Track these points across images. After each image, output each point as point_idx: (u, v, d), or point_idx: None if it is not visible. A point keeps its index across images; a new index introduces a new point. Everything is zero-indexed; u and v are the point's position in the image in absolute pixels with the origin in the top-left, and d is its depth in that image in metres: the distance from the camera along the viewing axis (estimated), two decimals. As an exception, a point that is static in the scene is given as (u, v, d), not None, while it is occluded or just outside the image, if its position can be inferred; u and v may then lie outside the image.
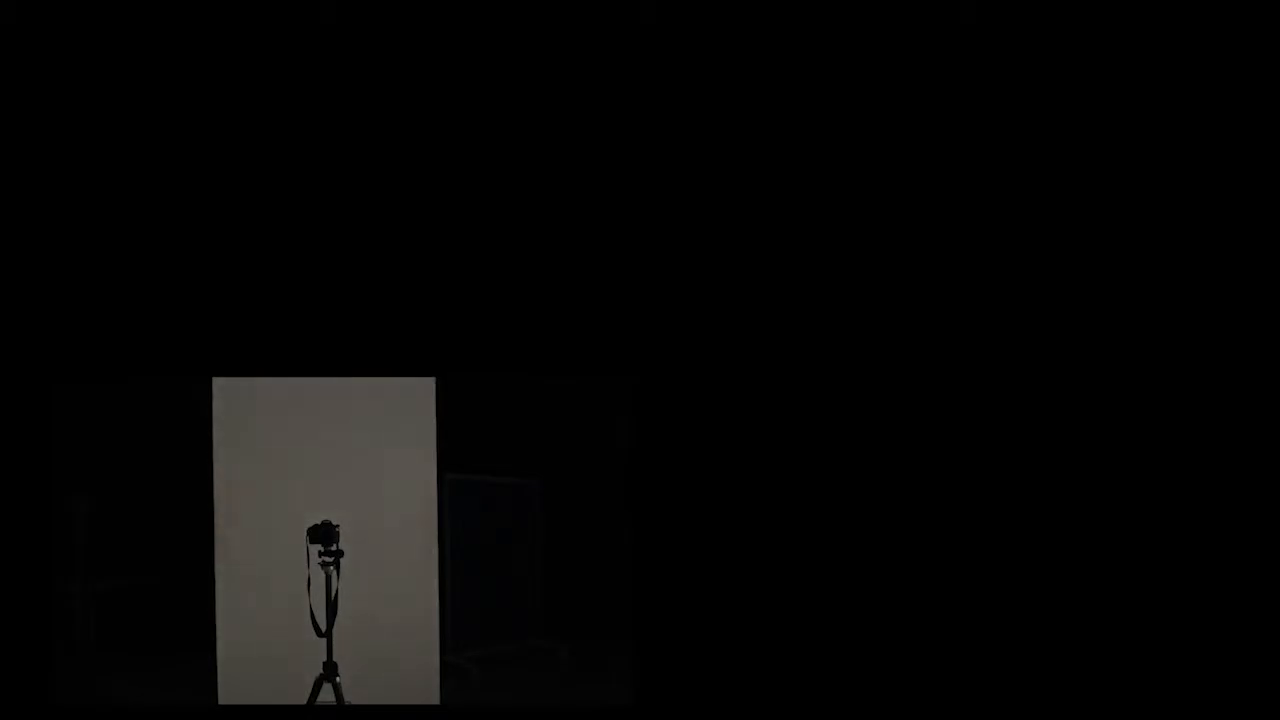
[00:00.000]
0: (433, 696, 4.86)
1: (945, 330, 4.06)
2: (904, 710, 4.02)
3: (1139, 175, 4.03)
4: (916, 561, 4.04)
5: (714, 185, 4.08)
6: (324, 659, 4.31)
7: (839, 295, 4.08)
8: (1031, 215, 4.05)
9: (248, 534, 4.74)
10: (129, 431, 6.73)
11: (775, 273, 4.08)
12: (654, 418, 4.10)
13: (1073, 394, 4.03)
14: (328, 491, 4.64)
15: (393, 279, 4.09)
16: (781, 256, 4.08)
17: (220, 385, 4.78)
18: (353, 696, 4.34)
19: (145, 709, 5.22)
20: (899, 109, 4.05)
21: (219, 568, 4.76)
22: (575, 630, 6.66)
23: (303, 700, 4.32)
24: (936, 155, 4.06)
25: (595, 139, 4.07)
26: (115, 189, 4.04)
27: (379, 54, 4.04)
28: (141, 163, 4.04)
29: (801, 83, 4.06)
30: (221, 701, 4.75)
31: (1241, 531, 3.97)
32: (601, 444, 6.80)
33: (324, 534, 4.32)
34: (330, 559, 4.31)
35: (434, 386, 4.86)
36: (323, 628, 4.33)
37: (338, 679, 4.28)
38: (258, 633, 4.71)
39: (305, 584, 4.36)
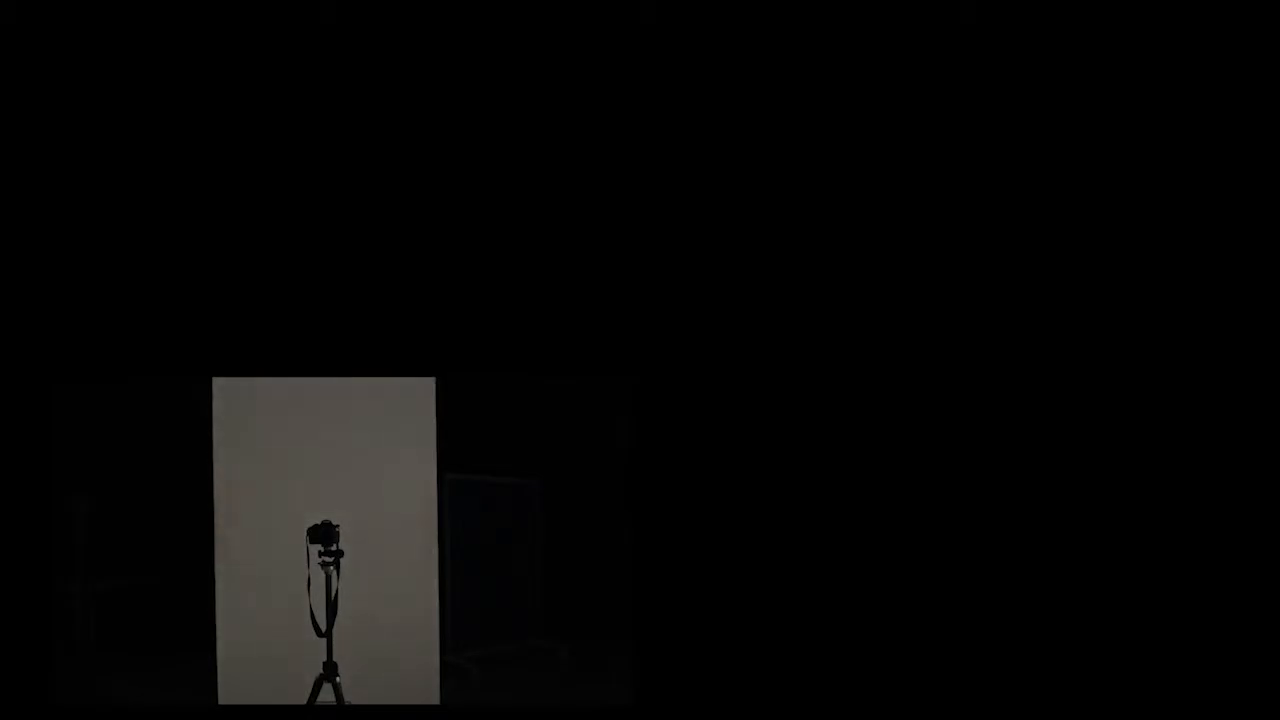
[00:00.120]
0: (433, 696, 4.86)
1: (945, 330, 4.06)
2: (904, 710, 4.02)
3: (1139, 175, 4.03)
4: (916, 561, 4.04)
5: (714, 185, 4.08)
6: (324, 659, 4.31)
7: (839, 295, 4.08)
8: (1031, 215, 4.05)
9: (248, 534, 4.74)
10: (129, 431, 6.73)
11: (775, 273, 4.08)
12: (654, 418, 4.10)
13: (1073, 394, 4.03)
14: (328, 491, 4.64)
15: (393, 279, 4.09)
16: (781, 257, 4.08)
17: (220, 385, 4.78)
18: (353, 696, 4.34)
19: (145, 709, 5.22)
20: (899, 109, 4.05)
21: (219, 568, 4.76)
22: (575, 630, 6.66)
23: (303, 700, 4.32)
24: (936, 155, 4.06)
25: (595, 139, 4.07)
26: (115, 189, 4.04)
27: (379, 54, 4.05)
28: (141, 163, 4.04)
29: (801, 83, 4.06)
30: (221, 701, 4.75)
31: (1241, 531, 3.97)
32: (601, 444, 6.80)
33: (324, 534, 4.33)
34: (330, 559, 4.31)
35: (434, 386, 4.86)
36: (323, 628, 4.33)
37: (338, 679, 4.28)
38: (258, 633, 4.71)
39: (305, 584, 4.36)
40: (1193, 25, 4.00)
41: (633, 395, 4.11)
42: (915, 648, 4.03)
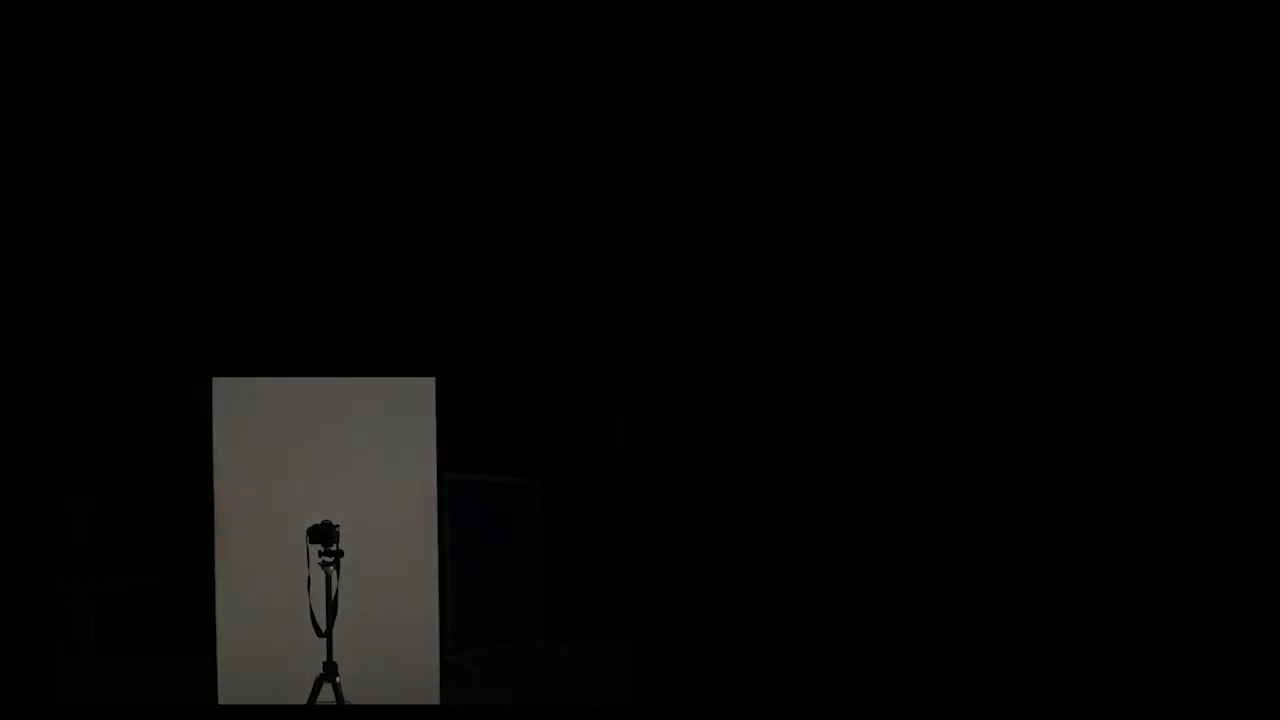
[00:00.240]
0: (433, 696, 4.86)
1: (945, 330, 4.06)
2: (904, 710, 4.02)
3: (1139, 175, 4.03)
4: (916, 561, 4.04)
5: (713, 185, 4.08)
6: (324, 659, 4.31)
7: (839, 295, 4.08)
8: (1031, 215, 4.05)
9: (248, 534, 4.74)
10: (129, 431, 6.73)
11: (775, 273, 4.08)
12: (654, 418, 4.10)
13: (1073, 394, 4.03)
14: (328, 491, 4.64)
15: (393, 279, 4.09)
16: (781, 257, 4.08)
17: (220, 385, 4.78)
18: (353, 696, 4.34)
19: (145, 709, 5.22)
20: (899, 109, 4.05)
21: (219, 568, 4.76)
22: (575, 630, 6.66)
23: (303, 700, 4.32)
24: (936, 155, 4.06)
25: (595, 139, 4.07)
26: (115, 189, 4.04)
27: (379, 54, 4.05)
28: (141, 163, 4.04)
29: (801, 83, 4.06)
30: (221, 701, 4.75)
31: (1242, 531, 3.97)
32: (601, 444, 6.80)
33: (324, 534, 4.33)
34: (330, 559, 4.31)
35: (434, 386, 4.86)
36: (323, 628, 4.33)
37: (338, 679, 4.28)
38: (258, 633, 4.71)
39: (305, 584, 4.36)
40: (1193, 25, 4.00)
41: (633, 395, 4.11)
42: (915, 647, 4.03)
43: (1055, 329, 4.04)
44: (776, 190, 4.08)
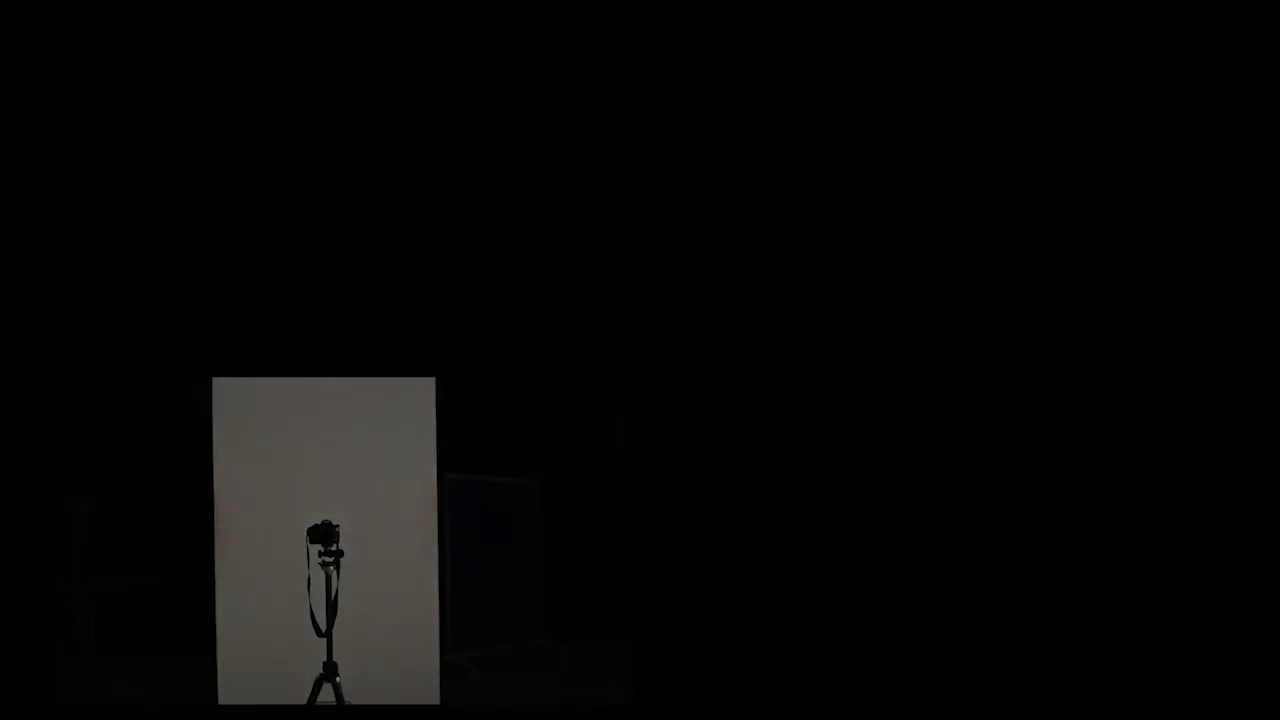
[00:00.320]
0: (433, 696, 4.86)
1: (945, 330, 4.06)
2: (904, 710, 4.02)
3: (1139, 175, 4.03)
4: (916, 561, 4.04)
5: (714, 185, 4.08)
6: (324, 659, 4.31)
7: (839, 295, 4.08)
8: (1031, 215, 4.05)
9: (248, 534, 4.74)
10: (129, 431, 6.73)
11: (775, 273, 4.08)
12: (654, 418, 4.10)
13: (1073, 394, 4.03)
14: (328, 491, 4.64)
15: (393, 279, 4.09)
16: (781, 257, 4.08)
17: (220, 385, 4.78)
18: (353, 696, 4.34)
19: (145, 709, 5.22)
20: (899, 109, 4.05)
21: (219, 568, 4.76)
22: (575, 630, 6.66)
23: (303, 700, 4.32)
24: (936, 155, 4.06)
25: (595, 139, 4.07)
26: (115, 189, 4.04)
27: (379, 54, 4.05)
28: (141, 163, 4.04)
29: (801, 83, 4.06)
30: (221, 701, 4.75)
31: (1242, 531, 3.97)
32: (601, 444, 6.80)
33: (324, 534, 4.32)
34: (330, 559, 4.31)
35: (434, 386, 4.86)
36: (323, 628, 4.33)
37: (338, 679, 4.28)
38: (258, 633, 4.71)
39: (305, 584, 4.36)
40: (1193, 25, 4.00)
41: (633, 395, 4.11)
42: (915, 647, 4.03)
43: (1055, 329, 4.04)
44: (776, 190, 4.08)
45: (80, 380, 4.16)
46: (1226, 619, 3.96)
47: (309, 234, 4.07)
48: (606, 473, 6.66)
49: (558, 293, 4.10)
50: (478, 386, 5.61)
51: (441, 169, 4.08)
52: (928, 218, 4.06)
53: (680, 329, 4.09)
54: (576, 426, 7.05)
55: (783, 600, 4.05)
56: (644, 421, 4.11)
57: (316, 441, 4.81)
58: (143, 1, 4.00)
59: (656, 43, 4.05)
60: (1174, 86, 4.01)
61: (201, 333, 4.06)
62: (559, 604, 6.94)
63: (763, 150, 4.07)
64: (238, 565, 4.74)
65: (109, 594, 6.63)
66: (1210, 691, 3.94)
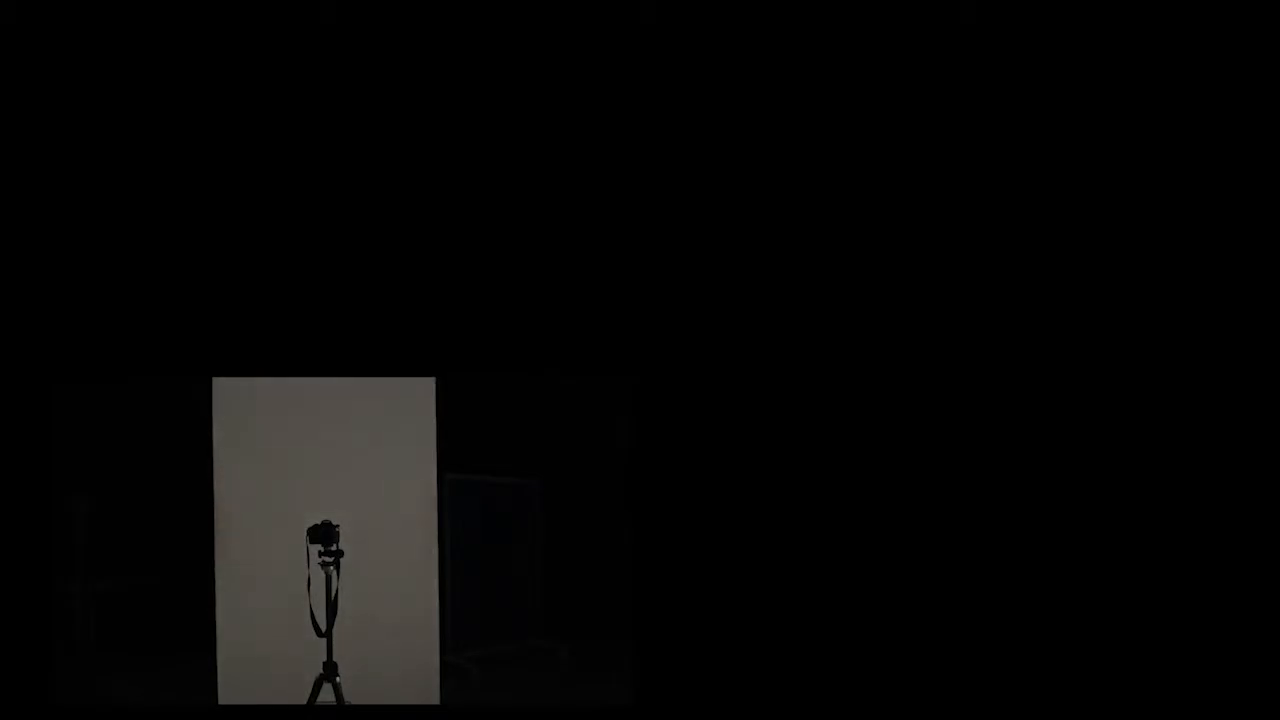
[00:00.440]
0: (433, 696, 4.86)
1: (945, 330, 4.06)
2: (904, 710, 4.02)
3: (1139, 175, 4.03)
4: (916, 561, 4.04)
5: (713, 185, 4.08)
6: (324, 659, 4.31)
7: (839, 295, 4.08)
8: (1031, 215, 4.05)
9: (248, 534, 4.74)
10: (129, 431, 6.73)
11: (775, 273, 4.08)
12: (654, 418, 4.10)
13: (1072, 394, 4.03)
14: (328, 491, 4.64)
15: (393, 279, 4.09)
16: (781, 257, 4.08)
17: (220, 385, 4.78)
18: (353, 696, 4.34)
19: (145, 709, 5.22)
20: (899, 109, 4.05)
21: (219, 568, 4.76)
22: (575, 630, 6.66)
23: (303, 700, 4.32)
24: (936, 155, 4.06)
25: (595, 139, 4.07)
26: (115, 189, 4.04)
27: (379, 54, 4.05)
28: (141, 163, 4.04)
29: (801, 83, 4.06)
30: (221, 701, 4.75)
31: (1242, 531, 3.97)
32: (601, 444, 6.80)
33: (324, 534, 4.33)
34: (330, 559, 4.32)
35: (434, 386, 4.86)
36: (323, 628, 4.33)
37: (338, 679, 4.28)
38: (258, 633, 4.71)
39: (305, 584, 4.36)
40: (1193, 25, 4.00)
41: (633, 395, 4.11)
42: (915, 647, 4.03)
43: (1055, 329, 4.04)
44: (776, 190, 4.08)
45: (80, 380, 4.16)
46: (1227, 619, 3.96)
47: (309, 234, 4.07)
48: (606, 473, 6.66)
49: (558, 293, 4.10)
50: (478, 386, 5.61)
51: (441, 169, 4.08)
52: (928, 218, 4.06)
53: (680, 329, 4.09)
54: (576, 426, 7.05)
55: (783, 600, 4.05)
56: (644, 421, 4.11)
57: (316, 441, 4.81)
58: (143, 1, 4.00)
59: (656, 43, 4.05)
60: (1174, 86, 4.01)
61: (201, 333, 4.06)
62: (559, 604, 6.94)
63: (762, 150, 4.07)
64: (238, 565, 4.74)
65: (109, 594, 6.63)
66: (1210, 691, 3.94)
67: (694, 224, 4.08)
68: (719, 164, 4.07)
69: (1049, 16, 4.03)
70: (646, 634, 4.09)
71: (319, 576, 4.33)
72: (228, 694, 4.75)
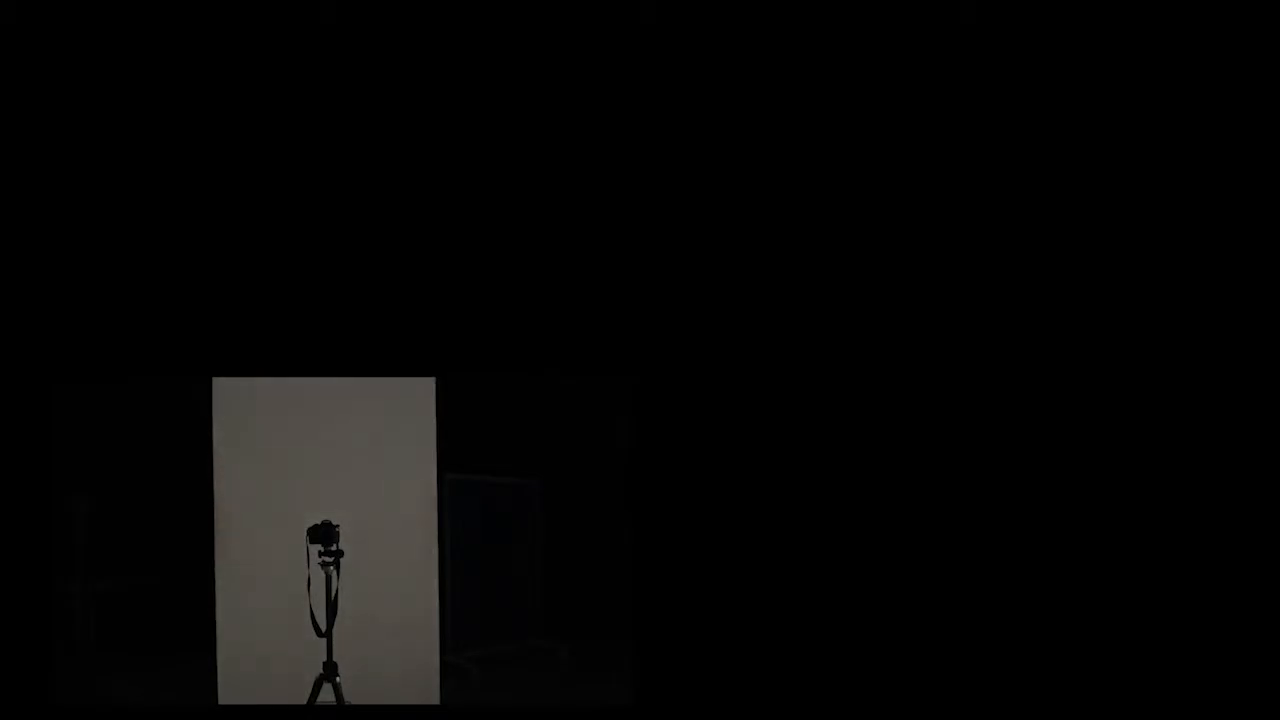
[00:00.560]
0: (433, 696, 4.86)
1: (945, 330, 4.06)
2: (904, 710, 4.02)
3: (1139, 175, 4.03)
4: (916, 561, 4.04)
5: (713, 185, 4.08)
6: (324, 659, 4.31)
7: (839, 295, 4.08)
8: (1031, 215, 4.05)
9: (248, 534, 4.74)
10: (129, 431, 6.73)
11: (775, 273, 4.08)
12: (654, 418, 4.10)
13: (1072, 394, 4.03)
14: (328, 491, 4.64)
15: (393, 279, 4.09)
16: (781, 257, 4.08)
17: (220, 385, 4.78)
18: (353, 696, 4.34)
19: (145, 709, 5.22)
20: (899, 109, 4.05)
21: (219, 568, 4.76)
22: (575, 630, 6.66)
23: (303, 700, 4.32)
24: (936, 155, 4.06)
25: (595, 139, 4.07)
26: (115, 189, 4.04)
27: (379, 54, 4.04)
28: (141, 163, 4.04)
29: (801, 83, 4.06)
30: (221, 701, 4.75)
31: (1242, 531, 3.97)
32: (601, 444, 6.80)
33: (324, 534, 4.33)
34: (330, 559, 4.32)
35: (434, 386, 4.86)
36: (323, 628, 4.33)
37: (338, 679, 4.28)
38: (258, 633, 4.71)
39: (305, 584, 4.36)
40: (1193, 25, 4.00)
41: (633, 395, 4.11)
42: (915, 647, 4.03)
43: (1055, 329, 4.04)
44: (776, 190, 4.08)
45: (80, 380, 4.16)
46: (1227, 619, 3.96)
47: (309, 234, 4.07)
48: (606, 473, 6.66)
49: (558, 293, 4.10)
50: (478, 386, 5.61)
51: (441, 169, 4.08)
52: (927, 218, 4.06)
53: (680, 329, 4.09)
54: (576, 426, 7.05)
55: (782, 600, 4.05)
56: (644, 421, 4.11)
57: (316, 441, 4.81)
58: (143, 1, 4.00)
59: (656, 43, 4.05)
60: (1174, 86, 4.01)
61: (201, 333, 4.06)
62: (559, 604, 6.94)
63: (762, 150, 4.07)
64: (238, 565, 4.74)
65: (109, 594, 6.63)
66: (1210, 691, 3.94)
67: (693, 224, 4.08)
68: (718, 164, 4.07)
69: (1049, 16, 4.03)
70: (646, 634, 4.09)
71: (319, 576, 4.33)
72: (228, 694, 4.75)
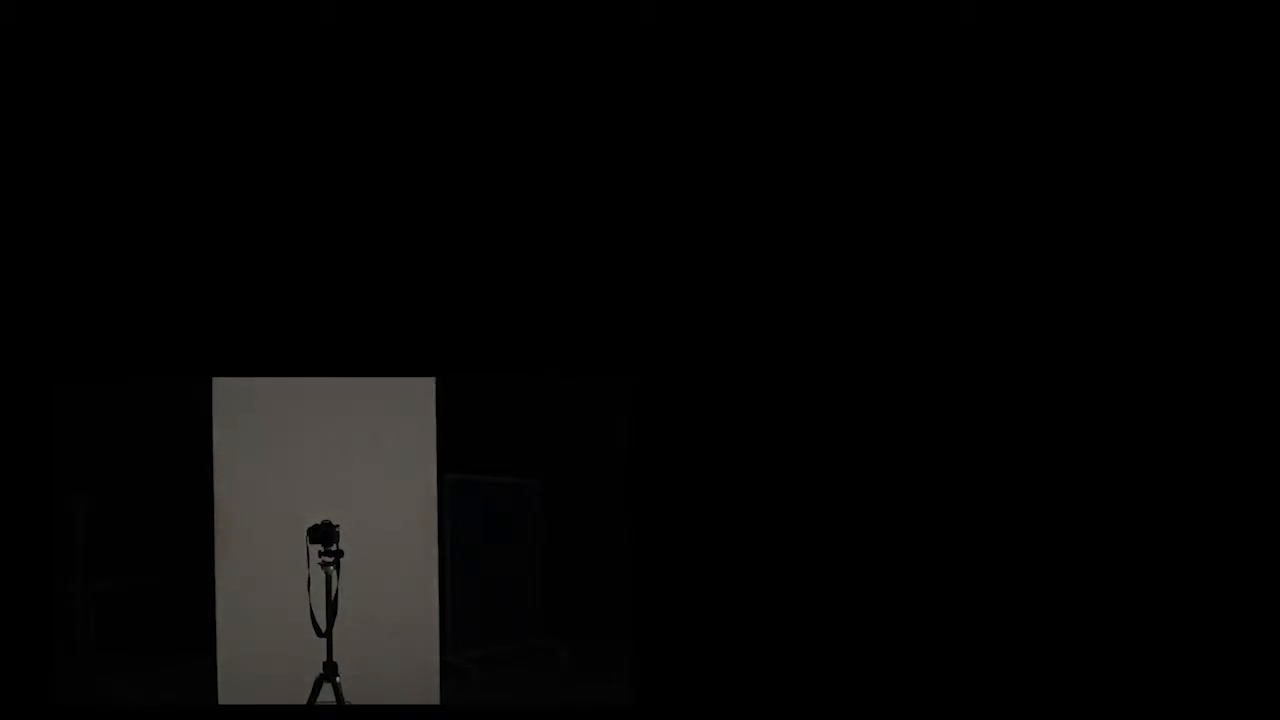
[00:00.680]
0: (433, 696, 4.86)
1: (945, 330, 4.06)
2: (904, 710, 4.02)
3: (1139, 175, 4.03)
4: (916, 561, 4.04)
5: (713, 185, 4.08)
6: (324, 659, 4.31)
7: (839, 295, 4.08)
8: (1031, 215, 4.05)
9: (248, 534, 4.74)
10: (129, 431, 6.73)
11: (775, 273, 4.08)
12: (654, 418, 4.10)
13: (1072, 394, 4.03)
14: (328, 491, 4.64)
15: (393, 279, 4.09)
16: (781, 256, 4.08)
17: (220, 385, 4.78)
18: (353, 696, 4.34)
19: (145, 709, 5.22)
20: (899, 109, 4.05)
21: (219, 568, 4.76)
22: (575, 630, 6.66)
23: (303, 700, 4.32)
24: (936, 155, 4.06)
25: (595, 139, 4.07)
26: (115, 189, 4.04)
27: (379, 54, 4.05)
28: (141, 163, 4.04)
29: (801, 83, 4.06)
30: (221, 701, 4.75)
31: (1242, 531, 3.97)
32: (601, 444, 6.80)
33: (324, 534, 4.33)
34: (330, 559, 4.32)
35: (434, 386, 4.86)
36: (323, 628, 4.33)
37: (338, 679, 4.28)
38: (258, 633, 4.71)
39: (305, 584, 4.36)
40: (1193, 25, 4.00)
41: (633, 395, 4.11)
42: (915, 647, 4.03)
43: (1055, 329, 4.04)
44: (776, 190, 4.08)
45: (80, 380, 4.16)
46: (1227, 619, 3.96)
47: (308, 234, 4.07)
48: (606, 473, 6.66)
49: (558, 293, 4.10)
50: (478, 386, 5.61)
51: (441, 169, 4.08)
52: (927, 218, 4.06)
53: (680, 329, 4.09)
54: (576, 426, 7.05)
55: (782, 600, 4.05)
56: (644, 421, 4.11)
57: (316, 441, 4.81)
58: (143, 1, 4.00)
59: (656, 43, 4.05)
60: (1174, 86, 4.01)
61: (201, 333, 4.06)
62: (559, 604, 6.94)
63: (762, 150, 4.07)
64: (238, 565, 4.74)
65: (109, 594, 6.63)
66: (1210, 691, 3.94)
67: (693, 224, 4.08)
68: (718, 164, 4.07)
69: (1049, 16, 4.03)
70: (646, 634, 4.09)
71: (319, 576, 4.33)
72: (228, 694, 4.75)
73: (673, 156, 4.08)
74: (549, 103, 4.07)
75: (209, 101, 4.03)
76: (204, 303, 4.06)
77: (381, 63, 4.05)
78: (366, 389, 4.79)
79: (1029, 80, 4.04)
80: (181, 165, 4.04)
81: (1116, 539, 4.00)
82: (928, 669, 4.02)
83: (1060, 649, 4.00)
